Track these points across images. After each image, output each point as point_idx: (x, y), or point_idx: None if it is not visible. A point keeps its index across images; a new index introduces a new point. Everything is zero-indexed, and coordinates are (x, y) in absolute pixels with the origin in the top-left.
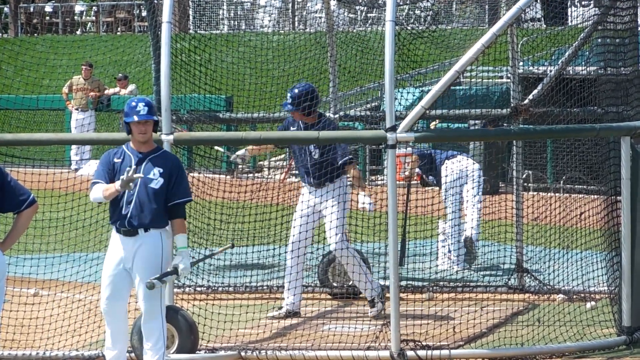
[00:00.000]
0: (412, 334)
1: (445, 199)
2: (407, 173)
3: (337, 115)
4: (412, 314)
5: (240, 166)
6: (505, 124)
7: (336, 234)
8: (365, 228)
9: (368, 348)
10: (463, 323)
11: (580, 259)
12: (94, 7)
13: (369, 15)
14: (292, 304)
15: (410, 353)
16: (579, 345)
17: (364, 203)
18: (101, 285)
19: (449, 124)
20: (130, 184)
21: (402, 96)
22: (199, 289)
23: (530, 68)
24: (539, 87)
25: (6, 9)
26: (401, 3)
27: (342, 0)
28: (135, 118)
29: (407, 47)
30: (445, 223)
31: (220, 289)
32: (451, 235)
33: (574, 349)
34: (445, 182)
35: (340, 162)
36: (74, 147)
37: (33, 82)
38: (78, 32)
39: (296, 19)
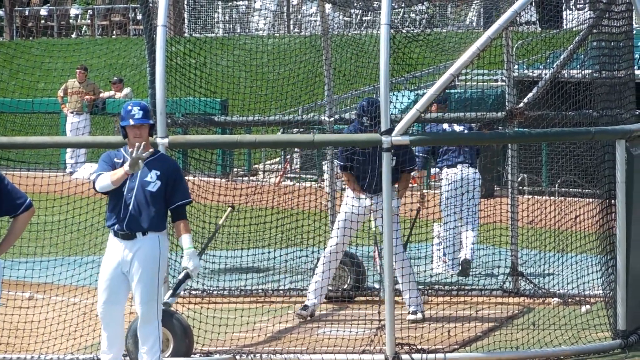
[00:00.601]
0: (407, 337)
1: (442, 204)
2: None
3: (332, 119)
4: (407, 318)
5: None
6: (500, 127)
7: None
8: (361, 232)
9: (363, 352)
10: (458, 327)
11: (575, 262)
12: (89, 11)
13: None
14: (313, 305)
15: (405, 357)
16: (574, 349)
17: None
18: (98, 289)
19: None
20: (140, 162)
21: (397, 99)
22: (193, 292)
23: (526, 71)
24: (534, 91)
25: (1, 13)
26: (396, 6)
27: (337, 4)
28: (131, 122)
29: (402, 51)
30: (440, 227)
31: (215, 292)
32: (446, 239)
33: (569, 352)
34: (445, 191)
35: (408, 167)
36: (69, 150)
37: (28, 85)
38: (73, 36)
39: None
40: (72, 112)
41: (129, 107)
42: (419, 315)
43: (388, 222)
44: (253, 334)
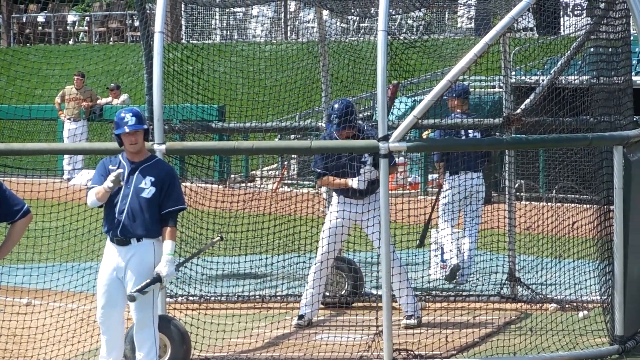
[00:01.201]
0: (404, 343)
1: (443, 212)
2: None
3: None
4: (402, 322)
5: (232, 176)
6: (497, 134)
7: None
8: (358, 237)
9: (360, 357)
10: (455, 332)
11: (572, 268)
12: (86, 17)
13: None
14: (310, 313)
15: None
16: (572, 355)
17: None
18: (97, 294)
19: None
20: (119, 182)
21: (394, 106)
22: (191, 298)
23: (523, 77)
24: (532, 97)
25: None
26: (393, 13)
27: (335, 10)
28: (126, 129)
29: (399, 57)
30: (438, 233)
31: (212, 298)
32: (444, 246)
33: (566, 358)
34: (446, 197)
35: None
36: (66, 156)
37: (25, 92)
38: (70, 42)
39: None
40: (69, 119)
41: (122, 115)
42: (413, 321)
43: (385, 227)
44: (251, 340)
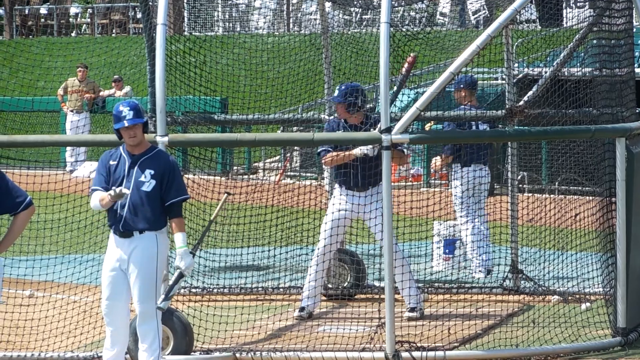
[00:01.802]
0: (407, 335)
1: (460, 207)
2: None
3: (332, 117)
4: (409, 315)
5: (235, 168)
6: (500, 126)
7: None
8: (360, 229)
9: (363, 349)
10: (458, 324)
11: (575, 260)
12: (88, 9)
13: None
14: (312, 305)
15: (405, 354)
16: (574, 347)
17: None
18: (101, 286)
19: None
20: (121, 197)
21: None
22: (194, 290)
23: (526, 69)
24: (534, 89)
25: (1, 11)
26: (396, 5)
27: (337, 2)
28: (126, 123)
29: (402, 49)
30: (440, 224)
31: (215, 290)
32: (468, 242)
33: (568, 350)
34: (460, 191)
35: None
36: (69, 148)
37: (28, 84)
38: (73, 34)
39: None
40: (72, 111)
41: (120, 109)
42: (416, 314)
43: (388, 219)
44: (253, 332)
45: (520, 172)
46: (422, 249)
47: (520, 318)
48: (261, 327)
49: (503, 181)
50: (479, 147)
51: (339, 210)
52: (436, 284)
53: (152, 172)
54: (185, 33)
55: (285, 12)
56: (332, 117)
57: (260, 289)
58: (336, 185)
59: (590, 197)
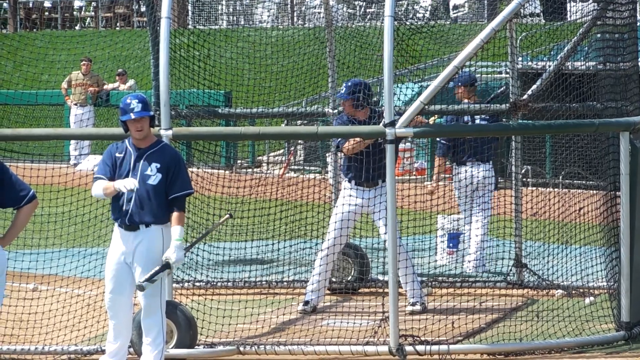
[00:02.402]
0: (410, 329)
1: (460, 203)
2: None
3: (335, 111)
4: (412, 309)
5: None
6: (504, 119)
7: None
8: (365, 224)
9: (367, 343)
10: (462, 318)
11: (579, 254)
12: (93, 3)
13: (367, 10)
14: (316, 299)
15: (408, 348)
16: (578, 341)
17: None
18: (105, 279)
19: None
20: (130, 189)
21: (401, 91)
22: (197, 284)
23: (530, 63)
24: (538, 83)
25: (5, 5)
26: None
27: None
28: (132, 116)
29: (405, 43)
30: (444, 218)
31: (219, 284)
32: (469, 239)
33: (572, 344)
34: (459, 187)
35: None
36: (72, 142)
37: (32, 77)
38: (77, 28)
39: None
40: (76, 104)
41: (128, 101)
42: (418, 307)
43: (392, 215)
44: (257, 326)
45: (524, 165)
46: (427, 242)
47: (524, 312)
48: (265, 320)
49: (507, 175)
50: (476, 144)
51: (350, 205)
52: (440, 278)
53: (158, 165)
54: (190, 26)
55: (289, 6)
56: (340, 112)
57: (264, 282)
58: (345, 180)
59: (594, 191)
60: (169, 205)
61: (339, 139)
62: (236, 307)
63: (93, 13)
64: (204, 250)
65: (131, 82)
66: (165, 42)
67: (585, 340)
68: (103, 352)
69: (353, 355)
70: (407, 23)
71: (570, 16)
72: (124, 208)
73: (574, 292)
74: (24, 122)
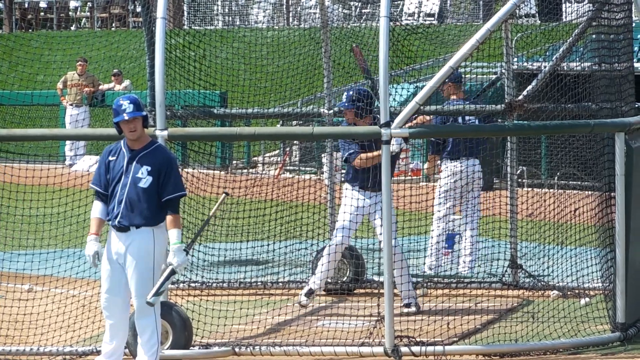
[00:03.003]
0: (406, 329)
1: (439, 202)
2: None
3: (331, 111)
4: (406, 310)
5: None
6: (499, 120)
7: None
8: (360, 225)
9: (362, 344)
10: (457, 319)
11: (574, 255)
12: (88, 3)
13: (363, 11)
14: (318, 289)
15: (404, 349)
16: (573, 342)
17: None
18: (101, 280)
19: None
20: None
21: (396, 92)
22: (193, 285)
23: (525, 64)
24: (534, 83)
25: (1, 5)
26: None
27: None
28: (126, 117)
29: (401, 43)
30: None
31: (214, 285)
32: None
33: (568, 345)
34: (443, 184)
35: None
36: (68, 142)
37: (27, 77)
38: (72, 28)
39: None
40: (71, 105)
41: (120, 102)
42: (412, 309)
43: (387, 216)
44: (252, 327)
45: (519, 166)
46: (421, 243)
47: (519, 313)
48: (260, 321)
49: (502, 175)
50: (467, 141)
51: (357, 207)
52: (435, 279)
53: (149, 168)
54: (185, 27)
55: (284, 6)
56: (336, 112)
57: (259, 283)
58: (348, 185)
59: (590, 192)
60: (162, 208)
61: (349, 152)
62: (231, 308)
63: (89, 13)
64: (199, 251)
65: (127, 82)
66: (160, 43)
67: (581, 341)
68: (98, 353)
69: (348, 356)
70: (403, 23)
71: (566, 17)
72: (115, 210)
73: (569, 293)
74: (19, 122)
